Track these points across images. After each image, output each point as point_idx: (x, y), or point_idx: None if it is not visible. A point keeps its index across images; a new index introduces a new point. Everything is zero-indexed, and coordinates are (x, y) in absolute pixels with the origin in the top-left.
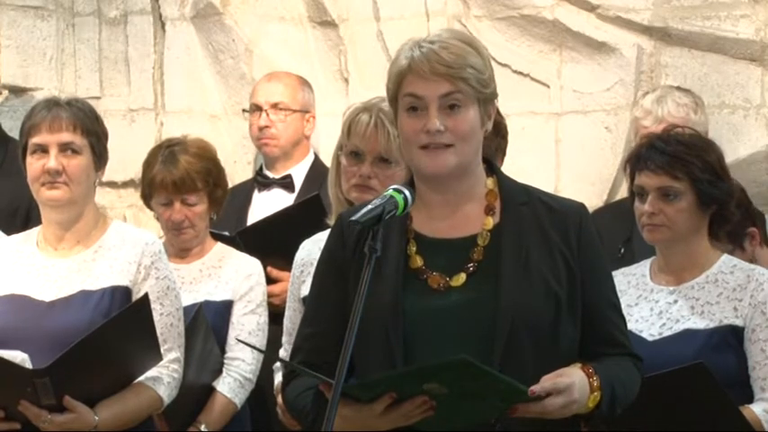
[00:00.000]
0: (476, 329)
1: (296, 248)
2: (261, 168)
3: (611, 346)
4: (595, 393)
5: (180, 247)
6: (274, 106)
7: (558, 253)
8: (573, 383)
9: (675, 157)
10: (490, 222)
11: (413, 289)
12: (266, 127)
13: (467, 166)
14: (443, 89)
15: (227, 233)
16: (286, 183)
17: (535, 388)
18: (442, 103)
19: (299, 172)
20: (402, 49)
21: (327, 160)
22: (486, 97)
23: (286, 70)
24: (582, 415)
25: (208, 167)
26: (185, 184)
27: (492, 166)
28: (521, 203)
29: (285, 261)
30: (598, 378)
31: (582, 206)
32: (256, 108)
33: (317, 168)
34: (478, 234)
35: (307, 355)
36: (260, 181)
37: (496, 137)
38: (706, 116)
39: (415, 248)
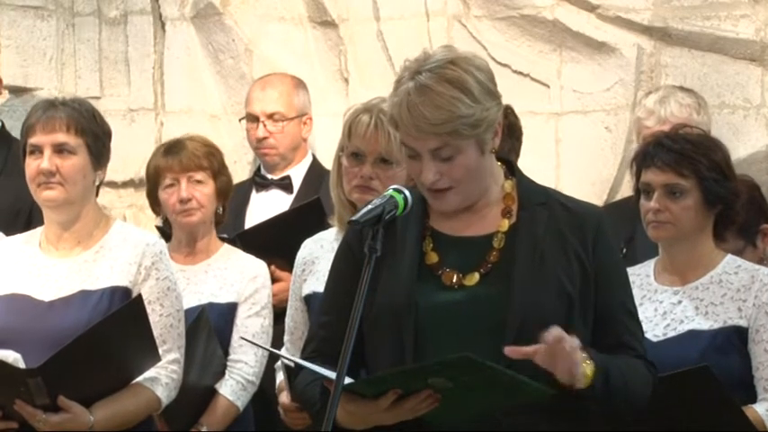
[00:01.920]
0: (486, 326)
1: (296, 251)
2: (259, 169)
3: (622, 349)
4: (588, 363)
5: (188, 235)
6: (270, 117)
7: (573, 254)
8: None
9: (682, 155)
10: (506, 225)
11: (427, 285)
12: (264, 138)
13: (474, 196)
14: (432, 144)
15: (225, 235)
16: (284, 184)
17: (545, 337)
18: (434, 154)
19: (297, 173)
20: (400, 78)
21: (328, 160)
22: (483, 131)
23: (282, 71)
24: (580, 391)
25: (212, 152)
26: (192, 161)
27: (512, 168)
28: (538, 204)
29: (285, 263)
30: (587, 352)
31: (601, 210)
32: (253, 118)
33: (315, 169)
34: (494, 236)
35: (320, 343)
36: (258, 182)
37: (510, 138)
38: (709, 116)
39: (431, 245)
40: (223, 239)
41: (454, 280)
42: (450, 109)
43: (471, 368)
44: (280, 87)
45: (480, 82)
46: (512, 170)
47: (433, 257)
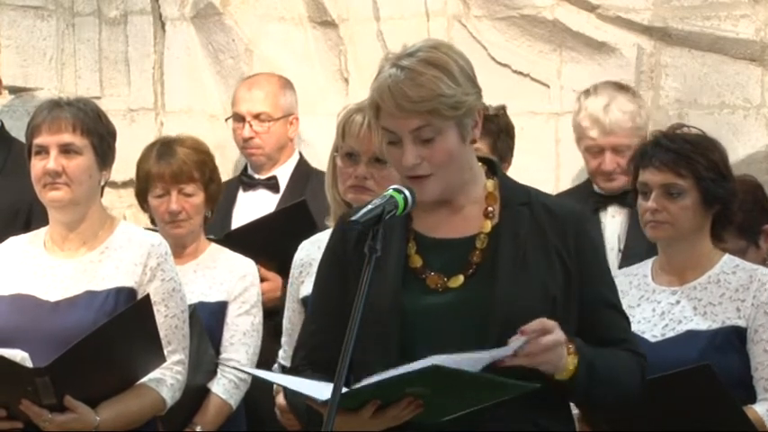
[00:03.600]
0: (471, 328)
1: (282, 252)
2: (245, 168)
3: (613, 343)
4: (572, 356)
5: (175, 243)
6: (257, 117)
7: (556, 254)
8: (557, 325)
9: (680, 155)
10: (488, 225)
11: (411, 288)
12: (251, 138)
13: (454, 186)
14: (413, 124)
15: (212, 236)
16: (271, 184)
17: (525, 328)
18: (415, 135)
19: (283, 173)
20: (381, 68)
21: (327, 161)
22: (462, 115)
23: (282, 71)
24: (562, 384)
25: (203, 159)
26: (183, 173)
27: (494, 168)
28: (520, 204)
29: (271, 264)
30: (574, 345)
31: (582, 210)
32: (239, 118)
33: (302, 168)
34: (476, 237)
35: (310, 352)
36: (245, 181)
37: (507, 138)
38: (647, 112)
39: (414, 249)
40: (210, 240)
41: (439, 283)
42: (431, 87)
43: (442, 376)
44: (266, 88)
45: (462, 67)
46: (493, 170)
47: (417, 261)
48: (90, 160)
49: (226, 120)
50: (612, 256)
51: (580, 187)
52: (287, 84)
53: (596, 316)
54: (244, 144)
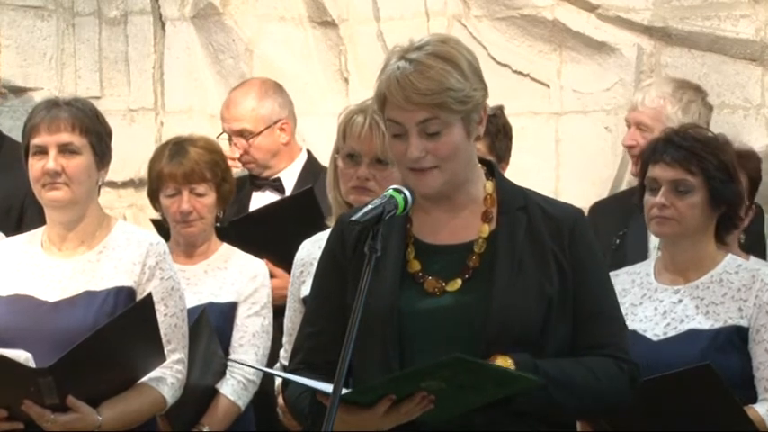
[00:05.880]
0: (467, 330)
1: (288, 242)
2: None
3: (596, 348)
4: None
5: (187, 242)
6: (239, 134)
7: (552, 256)
8: None
9: (691, 153)
10: (486, 230)
11: (409, 291)
12: (241, 155)
13: (457, 181)
14: (421, 116)
15: (217, 224)
16: (276, 185)
17: None
18: (421, 128)
19: (289, 174)
20: (388, 61)
21: (328, 161)
22: (470, 110)
23: (282, 71)
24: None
25: (216, 160)
26: (194, 173)
27: (492, 169)
28: (517, 208)
29: (277, 257)
30: (510, 356)
31: (578, 211)
32: (227, 135)
33: (310, 168)
34: (474, 242)
35: (307, 355)
36: (253, 181)
37: (505, 138)
38: (692, 113)
39: (413, 253)
40: (217, 229)
41: (436, 287)
42: (440, 80)
43: (464, 368)
44: (243, 103)
45: (470, 62)
46: (491, 171)
47: (416, 265)
48: (89, 160)
49: (217, 136)
50: None
51: (633, 190)
52: (267, 90)
53: (587, 320)
54: (239, 158)
